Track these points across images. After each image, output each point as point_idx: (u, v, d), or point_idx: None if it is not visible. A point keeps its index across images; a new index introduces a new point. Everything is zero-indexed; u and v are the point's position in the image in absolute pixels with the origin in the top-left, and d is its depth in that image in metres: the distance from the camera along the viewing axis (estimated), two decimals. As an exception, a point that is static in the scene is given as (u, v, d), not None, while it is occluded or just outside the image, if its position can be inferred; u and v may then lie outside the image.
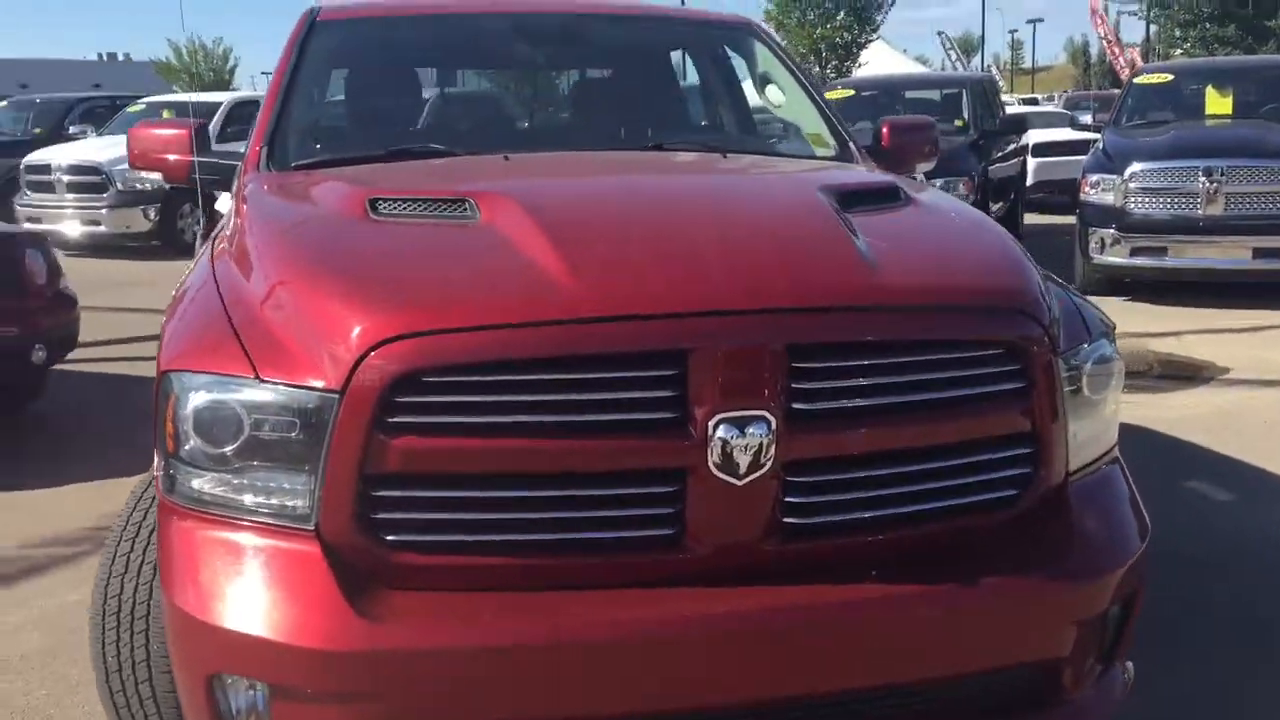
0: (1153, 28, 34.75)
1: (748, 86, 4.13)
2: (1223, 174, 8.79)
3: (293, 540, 1.97)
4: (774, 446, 1.98)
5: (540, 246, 2.12)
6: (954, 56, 59.62)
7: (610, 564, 2.02)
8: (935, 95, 12.55)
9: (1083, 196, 9.53)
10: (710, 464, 1.96)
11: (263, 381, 1.96)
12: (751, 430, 1.96)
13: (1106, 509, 2.39)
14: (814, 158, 3.58)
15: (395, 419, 1.91)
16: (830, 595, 2.04)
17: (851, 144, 3.58)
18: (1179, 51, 31.45)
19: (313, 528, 1.96)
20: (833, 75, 32.53)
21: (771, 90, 3.95)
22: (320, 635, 1.88)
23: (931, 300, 2.16)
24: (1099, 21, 39.75)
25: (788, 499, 2.05)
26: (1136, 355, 7.54)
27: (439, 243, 2.32)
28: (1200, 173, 8.85)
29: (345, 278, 2.11)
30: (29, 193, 13.35)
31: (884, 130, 3.77)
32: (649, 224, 2.37)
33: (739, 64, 4.15)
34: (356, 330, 1.92)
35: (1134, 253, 9.08)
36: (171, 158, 3.25)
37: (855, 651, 2.06)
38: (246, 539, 1.99)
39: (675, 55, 4.14)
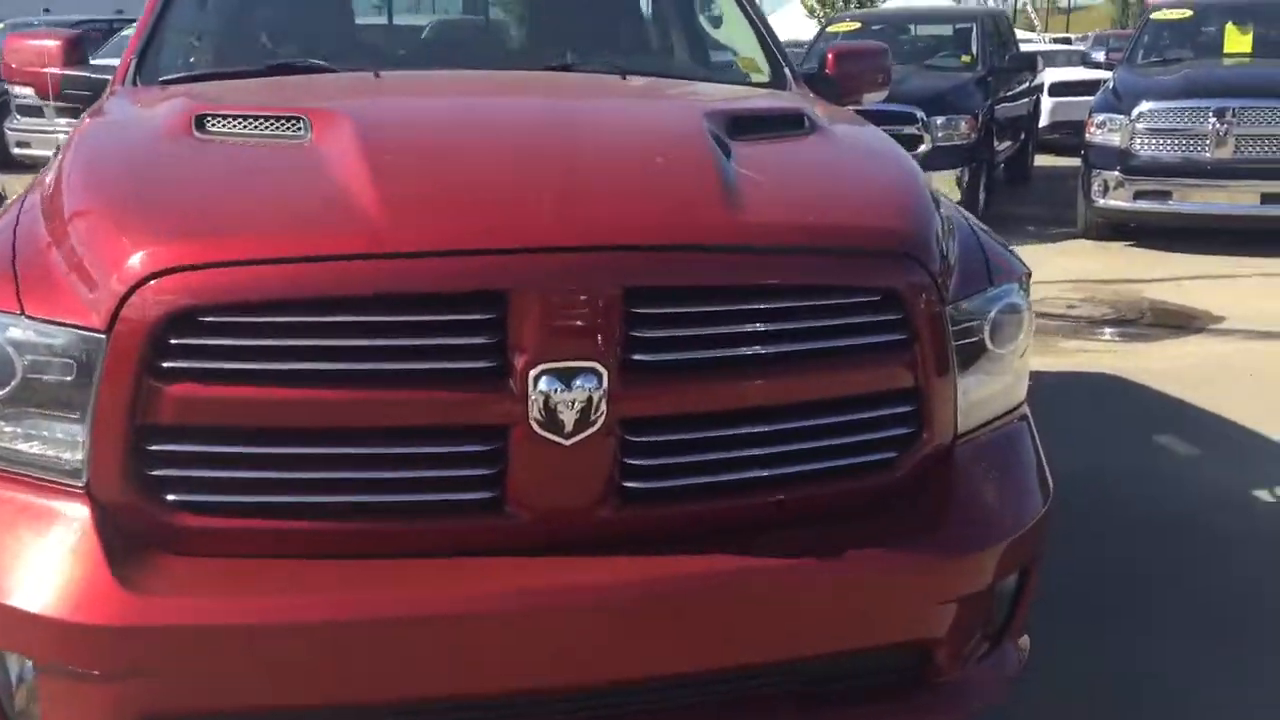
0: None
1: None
2: (1234, 115, 8.44)
3: (62, 499, 1.77)
4: (606, 402, 1.77)
5: (357, 172, 1.89)
6: (988, -8, 58.21)
7: (424, 530, 1.82)
8: (947, 30, 12.09)
9: (1088, 137, 9.20)
10: (531, 420, 1.75)
11: (29, 319, 1.76)
12: (579, 384, 1.74)
13: (1000, 474, 2.16)
14: (742, 83, 3.30)
15: (169, 363, 1.70)
16: (674, 567, 1.83)
17: (788, 70, 3.30)
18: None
19: (83, 485, 1.76)
20: (856, 6, 31.76)
21: (714, 12, 3.68)
22: (81, 608, 1.68)
23: (796, 241, 1.91)
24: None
25: (627, 460, 1.83)
26: (1130, 302, 7.28)
27: (255, 164, 2.10)
28: (1211, 113, 8.49)
29: (129, 204, 1.89)
30: (18, 117, 13.18)
31: (828, 57, 3.49)
32: (488, 152, 2.12)
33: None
34: (124, 262, 1.71)
35: (1138, 196, 8.73)
36: (44, 71, 3.03)
37: (701, 630, 1.85)
38: (15, 496, 1.80)
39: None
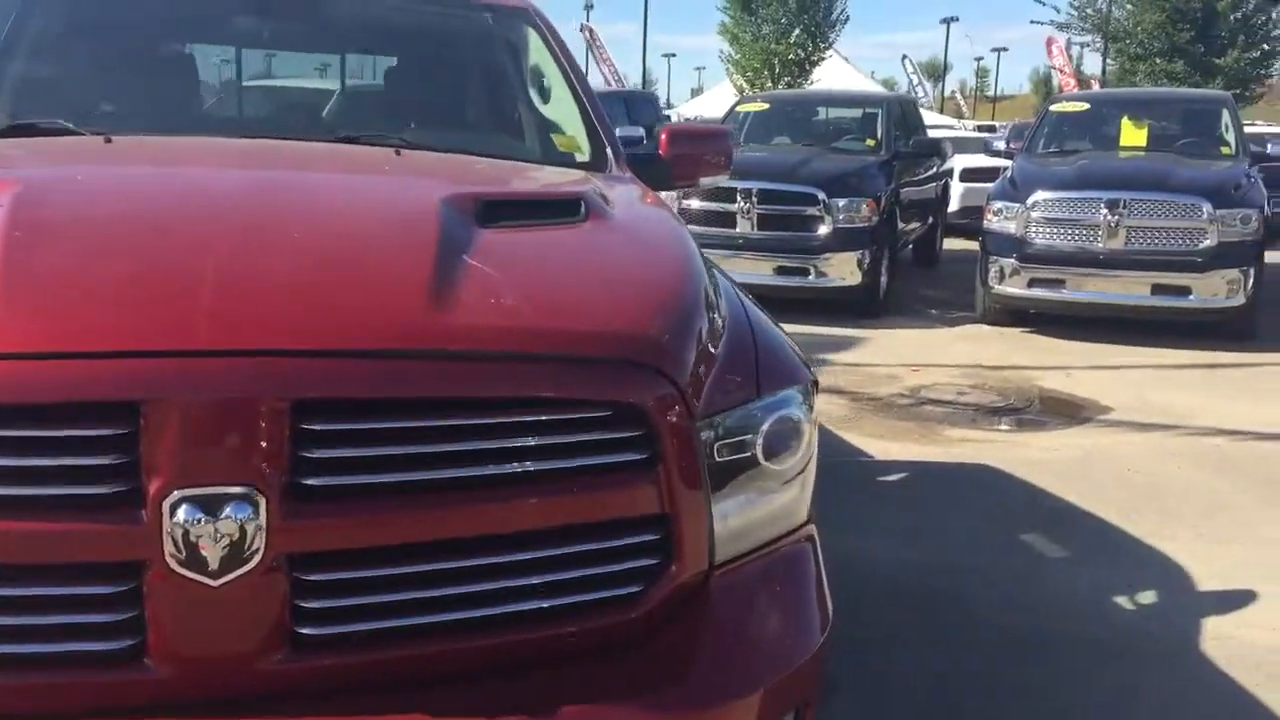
0: (1110, 63, 34.78)
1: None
2: (1125, 206, 8.49)
3: None
4: (265, 534, 1.50)
5: None
6: (916, 80, 59.67)
7: (64, 687, 1.52)
8: (855, 114, 12.15)
9: (985, 224, 9.23)
10: (168, 557, 1.48)
11: None
12: (228, 513, 1.48)
13: (768, 607, 1.92)
14: (558, 163, 3.09)
15: None
16: None
17: (609, 150, 3.10)
18: (1131, 84, 31.42)
19: None
20: (786, 87, 32.25)
21: (543, 86, 3.48)
22: None
23: (507, 347, 1.67)
24: (1053, 53, 39.72)
25: (299, 603, 1.56)
26: (1019, 389, 7.19)
27: None
28: (1103, 204, 8.55)
29: None
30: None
31: (661, 138, 3.30)
32: (157, 237, 1.85)
33: (523, 52, 3.67)
34: None
35: (1032, 284, 8.78)
36: None
37: None
38: None
39: (443, 41, 3.60)
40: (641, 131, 11.58)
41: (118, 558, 1.48)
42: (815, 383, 2.11)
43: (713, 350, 1.91)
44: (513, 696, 1.64)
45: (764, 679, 1.79)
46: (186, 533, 1.46)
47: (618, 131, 3.36)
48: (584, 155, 3.12)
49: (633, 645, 1.76)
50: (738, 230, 9.37)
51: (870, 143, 10.79)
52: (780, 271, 9.30)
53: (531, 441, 1.65)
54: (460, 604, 1.65)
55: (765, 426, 1.91)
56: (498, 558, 1.66)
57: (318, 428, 1.52)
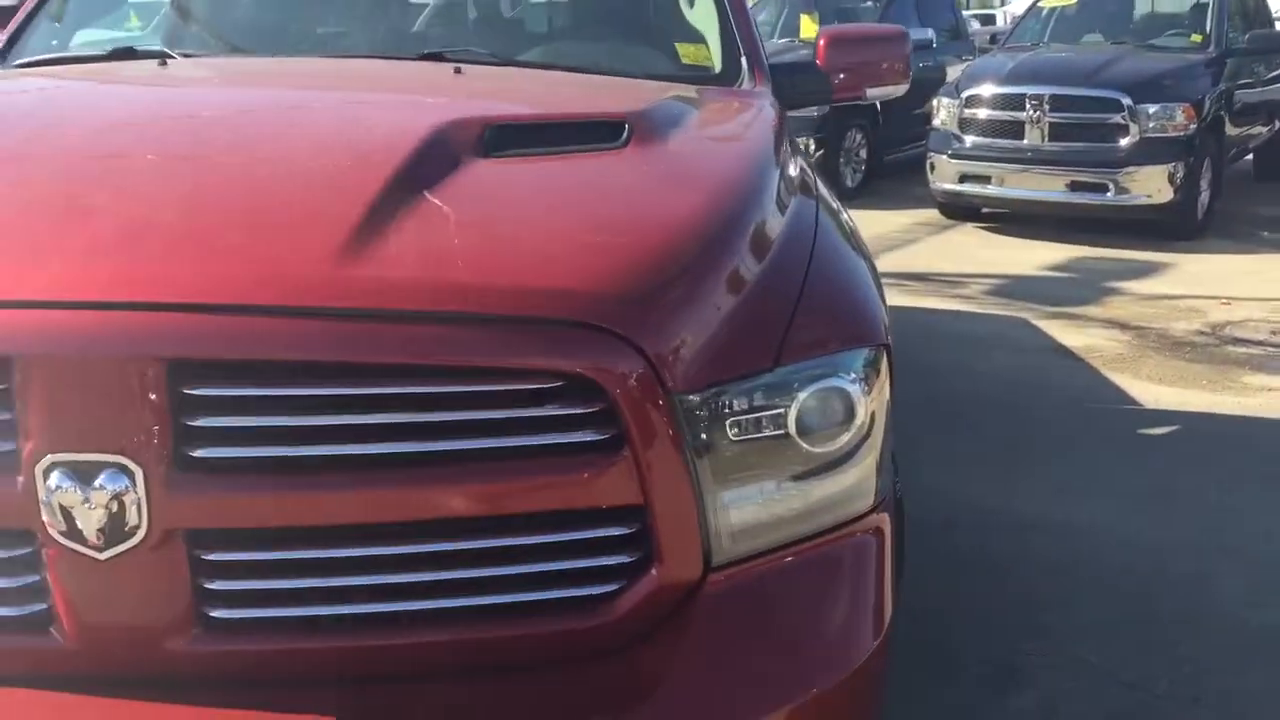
0: None
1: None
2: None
3: None
4: (146, 509, 1.35)
5: None
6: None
7: None
8: (1181, 6, 10.63)
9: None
10: (49, 526, 1.36)
11: None
12: (101, 483, 1.33)
13: (783, 621, 1.57)
14: (662, 76, 2.68)
15: None
16: None
17: (745, 61, 2.71)
18: None
19: None
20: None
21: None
22: None
23: (429, 305, 1.40)
24: None
25: (205, 584, 1.41)
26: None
27: None
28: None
29: None
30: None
31: (819, 44, 2.87)
32: (55, 178, 1.68)
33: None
34: None
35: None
36: None
37: None
38: None
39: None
40: (930, 34, 10.75)
41: (6, 524, 1.38)
42: (886, 346, 1.71)
43: (721, 307, 1.56)
44: (441, 704, 1.43)
45: (758, 709, 1.47)
46: (60, 501, 1.33)
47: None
48: (714, 67, 2.75)
49: (602, 657, 1.49)
50: (1026, 142, 8.49)
51: (1196, 38, 9.40)
52: (1074, 187, 8.37)
53: (460, 416, 1.40)
54: (387, 596, 1.44)
55: (800, 398, 1.56)
56: (427, 546, 1.43)
57: (200, 393, 1.34)
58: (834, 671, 1.53)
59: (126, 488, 1.33)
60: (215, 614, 1.42)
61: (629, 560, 1.48)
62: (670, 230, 1.63)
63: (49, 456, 1.33)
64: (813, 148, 9.88)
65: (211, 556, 1.39)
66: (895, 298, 6.66)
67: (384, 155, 1.69)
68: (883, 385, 1.69)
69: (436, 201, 1.58)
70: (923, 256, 8.03)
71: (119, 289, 1.36)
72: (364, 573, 1.43)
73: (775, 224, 1.80)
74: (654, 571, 1.48)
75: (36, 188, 1.65)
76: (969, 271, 7.56)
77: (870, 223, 8.80)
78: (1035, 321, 6.33)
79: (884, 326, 1.75)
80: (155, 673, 1.43)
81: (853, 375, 1.62)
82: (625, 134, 1.92)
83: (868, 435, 1.64)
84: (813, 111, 10.02)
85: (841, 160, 10.28)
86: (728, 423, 1.51)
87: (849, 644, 1.58)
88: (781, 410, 1.55)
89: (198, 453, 1.35)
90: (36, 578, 1.40)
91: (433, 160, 1.68)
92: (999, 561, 3.41)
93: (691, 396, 1.47)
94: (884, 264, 7.39)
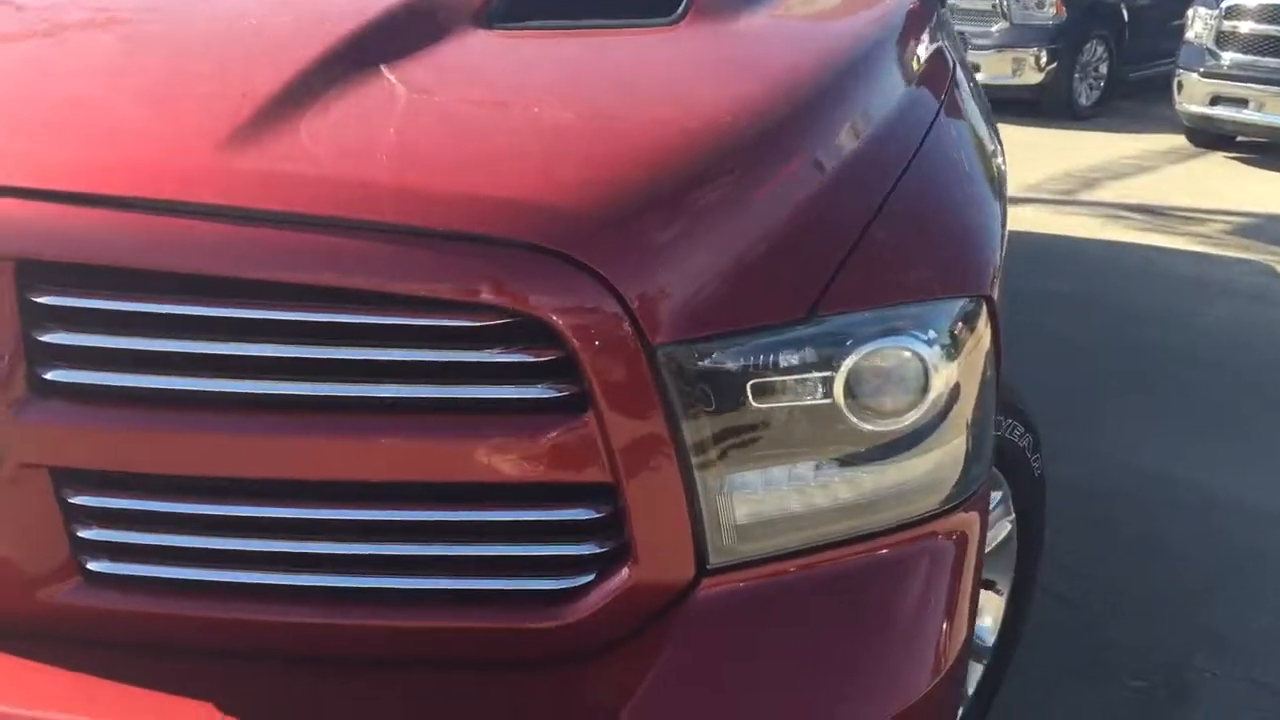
0: None
1: None
2: None
3: None
4: None
5: None
6: None
7: None
8: None
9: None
10: None
11: None
12: None
13: (798, 646, 1.21)
14: None
15: None
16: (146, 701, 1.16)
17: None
18: None
19: None
20: None
21: None
22: None
23: (335, 211, 1.08)
24: None
25: (77, 531, 1.18)
26: None
27: None
28: None
29: None
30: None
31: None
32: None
33: None
34: None
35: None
36: None
37: None
38: None
39: None
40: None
41: None
42: (987, 298, 1.30)
43: (740, 237, 1.18)
44: (350, 695, 1.17)
45: None
46: None
47: None
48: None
49: (559, 667, 1.19)
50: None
51: None
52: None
53: (373, 355, 1.10)
54: (290, 566, 1.18)
55: (851, 360, 1.18)
56: (339, 511, 1.16)
57: (51, 301, 1.09)
58: (872, 708, 1.18)
59: None
60: (93, 567, 1.19)
61: (596, 551, 1.17)
62: (687, 135, 1.26)
63: None
64: (1044, 59, 8.99)
65: (79, 500, 1.17)
66: (1115, 231, 5.94)
67: (343, 20, 1.38)
68: (978, 348, 1.29)
69: (390, 81, 1.27)
70: (1158, 187, 7.13)
71: None
72: (265, 536, 1.17)
73: (855, 134, 1.40)
74: (627, 568, 1.15)
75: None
76: (1209, 207, 6.66)
77: (1103, 147, 7.99)
78: (1280, 270, 5.50)
79: (988, 275, 1.33)
80: (36, 626, 1.23)
81: (931, 334, 1.22)
82: (681, 8, 1.54)
83: (947, 411, 1.25)
84: (1047, 18, 9.15)
85: (1077, 75, 9.30)
86: (741, 386, 1.15)
87: (891, 680, 1.22)
88: (824, 374, 1.18)
89: (50, 375, 1.11)
90: None
91: (407, 29, 1.37)
92: (1176, 547, 2.89)
93: (682, 349, 1.12)
94: (1111, 192, 6.69)
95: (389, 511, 1.16)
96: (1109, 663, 2.43)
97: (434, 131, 1.24)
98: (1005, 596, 2.04)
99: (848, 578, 1.24)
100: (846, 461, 1.22)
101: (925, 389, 1.22)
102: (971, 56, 8.86)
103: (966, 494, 1.32)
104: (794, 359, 1.17)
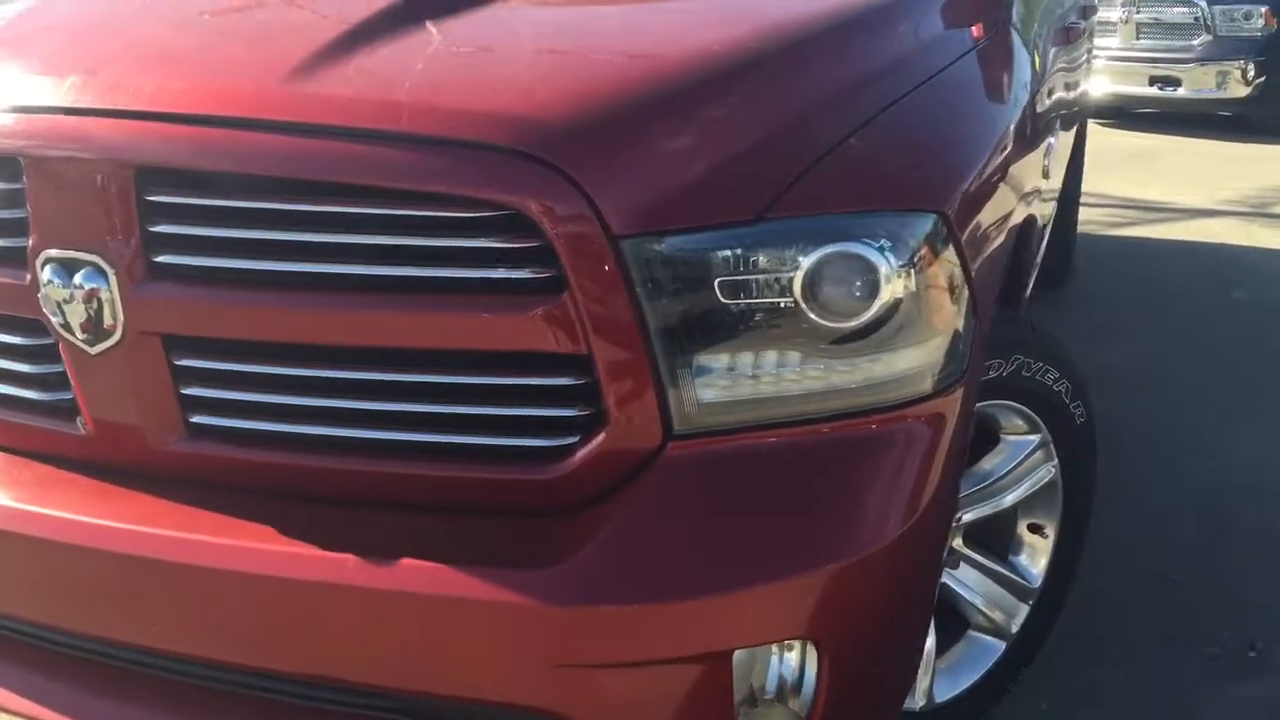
0: None
1: None
2: None
3: None
4: (120, 309, 1.45)
5: None
6: None
7: (19, 429, 1.62)
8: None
9: None
10: (48, 315, 1.49)
11: None
12: (80, 280, 1.45)
13: (745, 499, 1.40)
14: None
15: None
16: (218, 529, 1.44)
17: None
18: None
19: None
20: None
21: None
22: None
23: (364, 123, 1.37)
24: None
25: (184, 389, 1.49)
26: None
27: None
28: None
29: None
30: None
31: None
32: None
33: None
34: None
35: None
36: None
37: (220, 614, 1.45)
38: None
39: None
40: None
41: (19, 312, 1.53)
42: (945, 215, 1.45)
43: (702, 146, 1.39)
44: (369, 529, 1.43)
45: (691, 587, 1.33)
46: (52, 292, 1.46)
47: None
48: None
49: (549, 515, 1.42)
50: None
51: None
52: None
53: (396, 241, 1.37)
54: (343, 420, 1.45)
55: (808, 261, 1.37)
56: (374, 374, 1.43)
57: (160, 199, 1.41)
58: (815, 557, 1.35)
59: (102, 285, 1.43)
60: (195, 419, 1.50)
61: (579, 414, 1.39)
62: (655, 62, 1.50)
63: (44, 251, 1.46)
64: (1251, 72, 8.59)
65: (184, 362, 1.47)
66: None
67: None
68: (938, 261, 1.44)
69: (430, 28, 1.54)
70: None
71: (100, 97, 1.45)
72: (322, 395, 1.45)
73: (845, 64, 1.58)
74: (604, 432, 1.38)
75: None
76: None
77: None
78: None
79: (947, 195, 1.48)
80: (150, 470, 1.54)
81: (882, 242, 1.39)
82: None
83: (909, 313, 1.41)
84: (1256, 30, 8.73)
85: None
86: (699, 278, 1.35)
87: (855, 528, 1.38)
88: (776, 274, 1.36)
89: (160, 258, 1.43)
90: (58, 368, 1.55)
91: None
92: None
93: (642, 241, 1.33)
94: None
95: (417, 375, 1.41)
96: (1187, 634, 2.44)
97: (449, 66, 1.53)
98: (1052, 540, 2.12)
99: (817, 446, 1.41)
100: (812, 354, 1.40)
101: (874, 293, 1.38)
102: (1171, 71, 8.61)
103: (943, 387, 1.48)
104: (745, 256, 1.35)
